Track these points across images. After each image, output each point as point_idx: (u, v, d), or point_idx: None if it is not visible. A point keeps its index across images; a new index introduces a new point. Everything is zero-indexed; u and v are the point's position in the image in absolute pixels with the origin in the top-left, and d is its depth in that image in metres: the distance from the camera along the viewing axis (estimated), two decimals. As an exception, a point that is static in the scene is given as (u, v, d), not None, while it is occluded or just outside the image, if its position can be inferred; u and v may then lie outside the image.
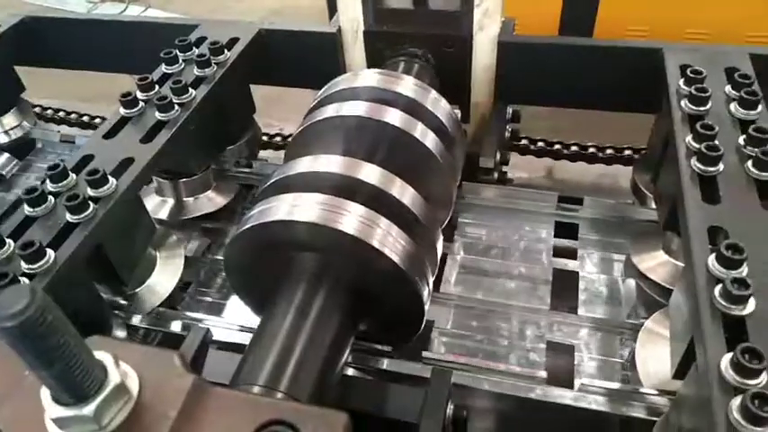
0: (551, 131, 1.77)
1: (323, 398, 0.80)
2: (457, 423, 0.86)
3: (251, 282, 0.97)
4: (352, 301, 0.90)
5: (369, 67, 1.46)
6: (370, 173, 0.96)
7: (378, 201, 0.92)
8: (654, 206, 1.21)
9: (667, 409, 0.86)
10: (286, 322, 0.83)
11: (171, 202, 1.35)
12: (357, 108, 1.09)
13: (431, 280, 0.96)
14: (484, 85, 1.43)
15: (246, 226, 0.90)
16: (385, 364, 1.00)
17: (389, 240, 0.87)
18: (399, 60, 1.40)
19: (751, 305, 0.74)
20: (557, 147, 1.59)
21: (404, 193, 0.95)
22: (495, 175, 1.33)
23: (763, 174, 0.92)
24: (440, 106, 1.15)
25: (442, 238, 1.03)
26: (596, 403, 0.94)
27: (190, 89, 1.22)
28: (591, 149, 1.58)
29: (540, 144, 1.59)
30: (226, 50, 1.35)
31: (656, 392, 0.93)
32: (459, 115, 1.23)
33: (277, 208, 0.91)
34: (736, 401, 0.64)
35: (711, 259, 0.79)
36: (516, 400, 0.96)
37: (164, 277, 1.18)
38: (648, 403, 0.93)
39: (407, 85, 1.16)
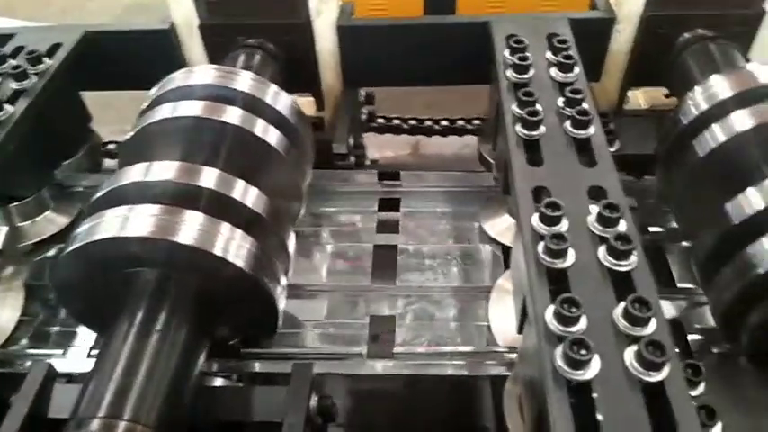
0: (426, 107, 1.80)
1: (177, 416, 0.77)
2: (324, 414, 0.87)
3: (88, 306, 0.92)
4: (202, 312, 0.87)
5: (211, 62, 1.41)
6: (209, 177, 0.92)
7: (218, 206, 0.89)
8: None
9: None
10: (127, 345, 0.79)
11: (4, 230, 1.23)
12: (192, 108, 1.04)
13: (283, 278, 0.95)
14: (331, 71, 1.43)
15: (73, 246, 0.84)
16: (251, 367, 0.98)
17: (233, 246, 0.85)
18: (240, 53, 1.36)
19: (570, 257, 0.79)
20: (411, 123, 1.62)
21: (246, 194, 0.93)
22: (352, 159, 1.34)
23: (580, 132, 0.99)
24: (280, 100, 1.13)
25: (293, 234, 1.02)
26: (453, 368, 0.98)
27: (5, 106, 1.12)
28: (443, 122, 1.63)
29: (396, 122, 1.62)
30: (46, 59, 1.25)
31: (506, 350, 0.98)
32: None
33: (107, 223, 0.85)
34: (559, 349, 0.69)
35: (535, 218, 0.85)
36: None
37: (3, 314, 1.08)
38: (503, 361, 0.98)
39: (245, 81, 1.13)
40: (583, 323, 0.72)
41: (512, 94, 1.08)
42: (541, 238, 0.82)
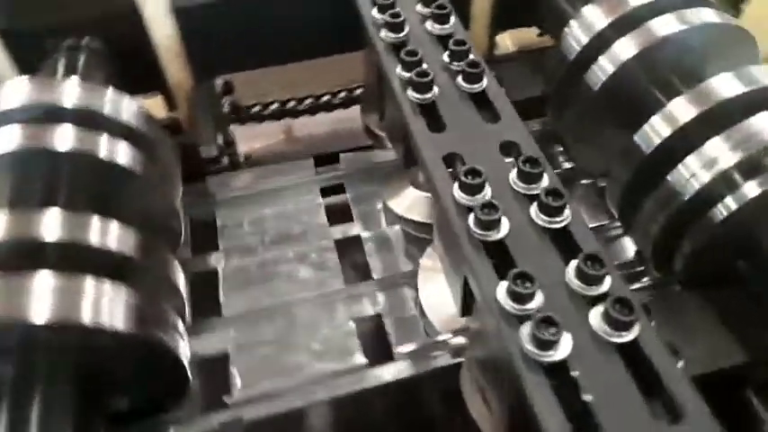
0: (283, 88, 1.63)
1: None
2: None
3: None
4: (87, 391, 0.69)
5: (21, 73, 1.15)
6: (52, 222, 0.72)
7: (73, 256, 0.70)
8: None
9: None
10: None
11: None
12: (9, 137, 0.82)
13: (179, 323, 0.78)
14: (176, 63, 1.23)
15: None
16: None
17: (104, 305, 0.67)
18: (60, 57, 1.12)
19: (505, 226, 0.72)
20: (291, 104, 1.46)
21: (106, 234, 0.74)
22: (226, 160, 1.17)
23: (475, 86, 0.91)
24: (122, 106, 0.93)
25: (177, 265, 0.84)
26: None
27: None
28: (325, 97, 1.48)
29: (274, 107, 1.45)
30: None
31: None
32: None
33: None
34: (524, 330, 0.61)
35: (456, 189, 0.76)
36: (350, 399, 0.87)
37: None
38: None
39: (72, 90, 0.91)
40: (539, 297, 0.64)
41: (392, 56, 0.98)
42: (469, 210, 0.73)
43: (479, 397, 0.78)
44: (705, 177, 0.80)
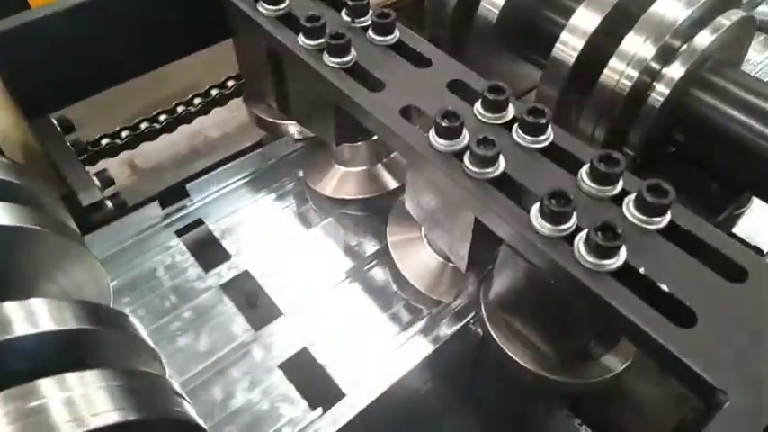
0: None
1: None
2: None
3: None
4: None
5: None
6: None
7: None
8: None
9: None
10: None
11: None
12: None
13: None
14: (-4, 104, 0.98)
15: None
16: None
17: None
18: None
19: (500, 164, 0.68)
20: (143, 126, 1.25)
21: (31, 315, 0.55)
22: (110, 204, 0.96)
23: (389, 37, 0.85)
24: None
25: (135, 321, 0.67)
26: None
27: None
28: (179, 108, 1.28)
29: (126, 133, 1.22)
30: None
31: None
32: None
33: None
34: (581, 246, 0.59)
35: (432, 137, 0.70)
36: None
37: None
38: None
39: None
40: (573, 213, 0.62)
41: (287, 29, 0.88)
42: (459, 154, 0.69)
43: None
44: (634, 74, 0.84)
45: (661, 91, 0.83)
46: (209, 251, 1.04)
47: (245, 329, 0.93)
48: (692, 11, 0.84)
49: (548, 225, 0.62)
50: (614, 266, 0.59)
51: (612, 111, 0.85)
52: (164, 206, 1.10)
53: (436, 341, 0.85)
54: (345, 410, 0.82)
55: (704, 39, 0.84)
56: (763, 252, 0.99)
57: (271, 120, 1.06)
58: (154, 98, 1.40)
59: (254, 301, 0.98)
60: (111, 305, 0.76)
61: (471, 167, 0.67)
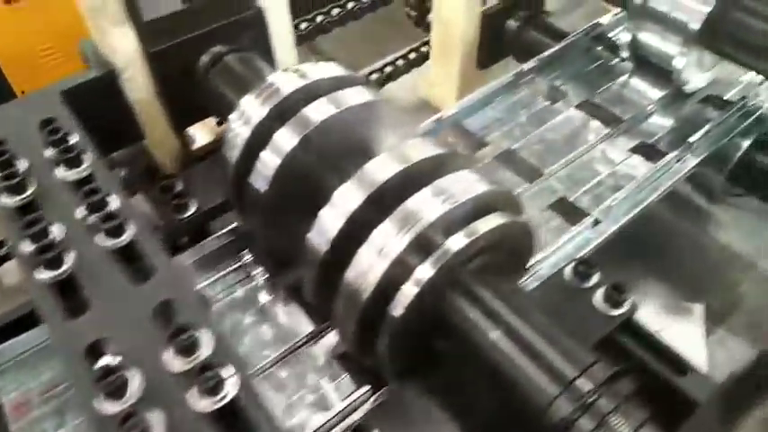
0: None
1: None
2: None
3: None
4: None
5: None
6: None
7: None
8: None
9: None
10: None
11: None
12: None
13: None
14: None
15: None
16: None
17: None
18: None
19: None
20: None
21: None
22: None
23: (117, 240, 0.77)
24: None
25: None
26: None
27: None
28: None
29: None
30: None
31: None
32: None
33: None
34: None
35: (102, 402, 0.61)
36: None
37: None
38: None
39: None
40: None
41: (15, 225, 0.80)
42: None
43: None
44: (381, 267, 0.75)
45: (409, 290, 0.73)
46: None
47: None
48: (451, 208, 0.75)
49: None
50: None
51: (358, 307, 0.75)
52: None
53: None
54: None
55: (458, 241, 0.74)
56: None
57: None
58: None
59: None
60: None
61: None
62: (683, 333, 1.43)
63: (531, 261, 0.93)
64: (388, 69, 1.89)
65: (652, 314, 1.46)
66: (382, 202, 0.79)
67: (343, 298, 0.77)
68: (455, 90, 1.73)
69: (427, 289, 0.74)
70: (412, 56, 1.94)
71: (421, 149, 0.83)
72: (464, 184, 0.78)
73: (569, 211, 1.17)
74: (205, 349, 0.65)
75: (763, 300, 1.41)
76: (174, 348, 0.65)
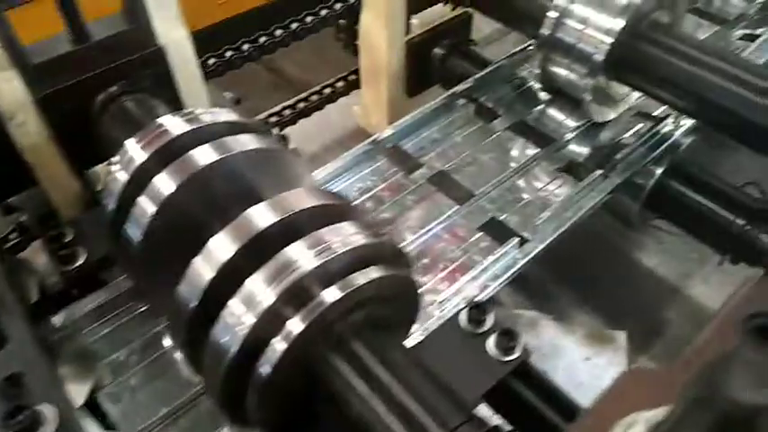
0: None
1: None
2: None
3: None
4: None
5: None
6: None
7: None
8: None
9: None
10: None
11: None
12: None
13: None
14: None
15: None
16: None
17: None
18: None
19: None
20: None
21: None
22: None
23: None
24: None
25: None
26: None
27: None
28: None
29: None
30: None
31: None
32: None
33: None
34: None
35: None
36: None
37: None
38: None
39: None
40: None
41: None
42: None
43: None
44: (250, 320, 0.71)
45: (279, 345, 0.70)
46: None
47: None
48: (327, 260, 0.72)
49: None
50: None
51: (222, 363, 0.70)
52: None
53: None
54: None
55: (333, 294, 0.71)
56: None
57: None
58: None
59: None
60: None
61: None
62: (611, 362, 1.43)
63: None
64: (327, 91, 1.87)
65: (579, 342, 1.45)
66: (257, 253, 0.75)
67: (209, 352, 0.73)
68: (385, 117, 1.72)
69: (298, 344, 0.70)
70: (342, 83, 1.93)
71: (303, 199, 0.80)
72: (343, 237, 0.75)
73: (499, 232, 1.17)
74: (48, 427, 0.60)
75: (686, 327, 1.41)
76: (12, 429, 0.60)
